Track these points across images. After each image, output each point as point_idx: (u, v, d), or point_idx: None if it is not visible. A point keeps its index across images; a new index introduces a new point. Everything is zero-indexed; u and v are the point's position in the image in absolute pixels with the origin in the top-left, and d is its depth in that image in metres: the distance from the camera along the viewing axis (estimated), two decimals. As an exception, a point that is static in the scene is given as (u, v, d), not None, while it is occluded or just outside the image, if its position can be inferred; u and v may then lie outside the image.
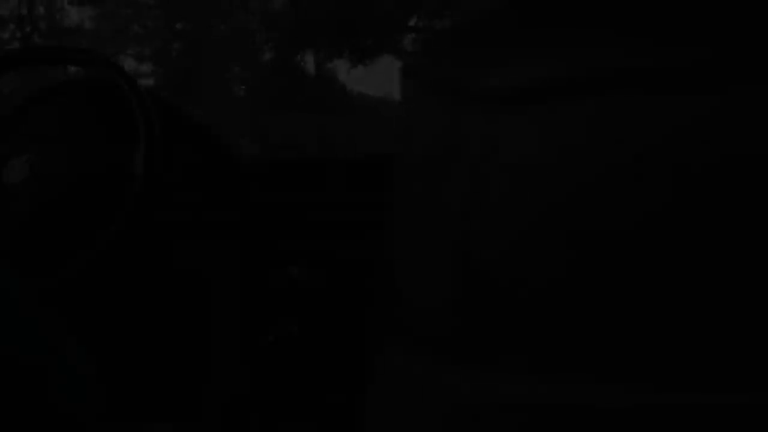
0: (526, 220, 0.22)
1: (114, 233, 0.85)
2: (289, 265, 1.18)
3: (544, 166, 0.21)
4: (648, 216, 0.20)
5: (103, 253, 0.85)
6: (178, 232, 1.17)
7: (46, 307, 0.61)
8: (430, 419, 0.23)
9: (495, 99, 0.22)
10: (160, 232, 1.13)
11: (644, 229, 0.20)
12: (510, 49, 0.22)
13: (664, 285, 0.20)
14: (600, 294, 0.21)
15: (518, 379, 0.22)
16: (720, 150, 0.20)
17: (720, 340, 0.20)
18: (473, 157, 0.22)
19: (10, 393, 0.54)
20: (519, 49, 0.22)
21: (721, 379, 0.20)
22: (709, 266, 0.20)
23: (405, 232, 0.26)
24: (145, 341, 1.24)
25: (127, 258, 1.09)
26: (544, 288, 0.21)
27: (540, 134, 0.21)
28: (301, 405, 1.13)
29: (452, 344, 0.23)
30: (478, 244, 0.22)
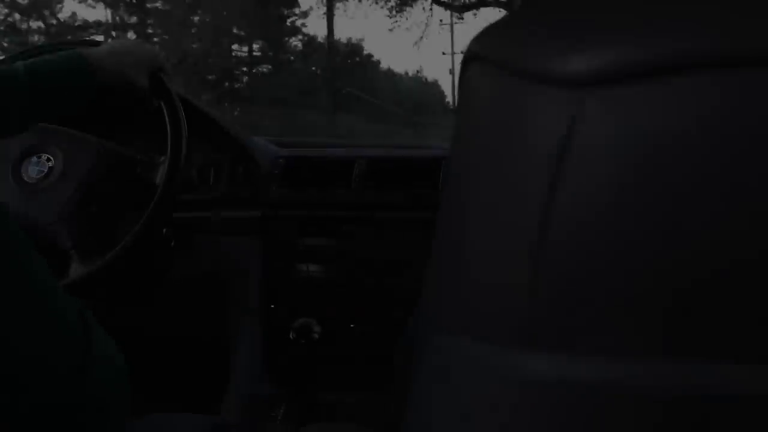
0: (608, 206, 0.21)
1: (136, 234, 0.85)
2: (311, 262, 1.18)
3: (628, 149, 0.21)
4: (744, 204, 0.19)
5: (124, 251, 0.85)
6: (200, 230, 1.17)
7: (77, 299, 0.61)
8: (503, 400, 0.23)
9: (576, 82, 0.21)
10: (183, 230, 1.13)
11: (735, 218, 0.20)
12: (590, 31, 0.22)
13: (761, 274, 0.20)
14: (687, 285, 0.20)
15: (591, 361, 0.22)
16: None
17: None
18: (553, 141, 0.22)
19: (53, 380, 0.54)
20: (600, 31, 0.22)
21: None
22: None
23: (471, 220, 0.26)
24: (167, 335, 1.24)
25: (148, 256, 1.09)
26: (627, 279, 0.21)
27: (624, 117, 0.21)
28: (322, 401, 1.13)
29: (524, 329, 0.23)
30: (556, 230, 0.22)
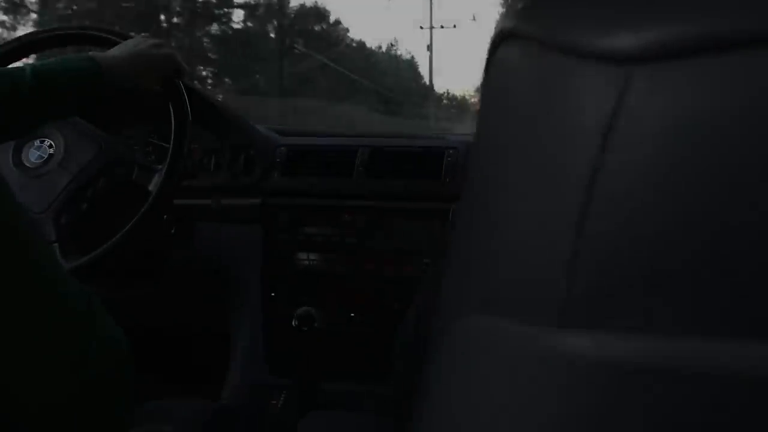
0: (653, 185, 0.21)
1: (117, 240, 0.84)
2: (312, 251, 1.17)
3: (676, 127, 0.20)
4: None
5: (104, 253, 0.84)
6: (200, 217, 1.16)
7: (81, 283, 0.61)
8: (542, 379, 0.23)
9: (624, 58, 0.21)
10: (183, 217, 1.12)
11: None
12: (639, 5, 0.22)
13: None
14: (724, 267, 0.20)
15: (634, 339, 0.21)
16: None
17: None
18: (598, 119, 0.21)
19: (54, 363, 0.54)
20: (650, 5, 0.22)
21: None
22: None
23: (507, 200, 0.25)
24: (168, 322, 1.24)
25: (148, 244, 1.09)
26: (671, 257, 0.21)
27: (673, 95, 0.20)
28: (322, 389, 1.13)
29: (564, 307, 0.23)
30: (599, 207, 0.22)
